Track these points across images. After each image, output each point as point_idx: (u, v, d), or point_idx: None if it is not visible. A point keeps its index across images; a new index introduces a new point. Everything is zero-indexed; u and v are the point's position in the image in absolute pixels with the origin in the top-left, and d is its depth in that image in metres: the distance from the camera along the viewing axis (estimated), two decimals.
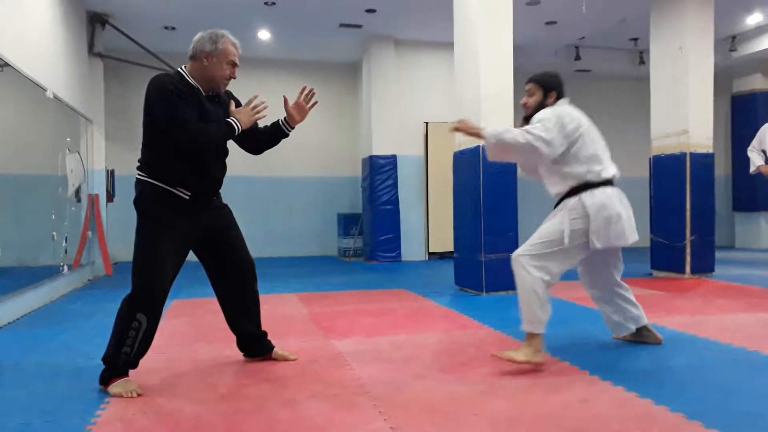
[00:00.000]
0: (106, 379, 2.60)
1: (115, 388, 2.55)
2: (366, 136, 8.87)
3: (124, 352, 2.60)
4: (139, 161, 2.74)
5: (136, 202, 2.71)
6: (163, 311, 4.54)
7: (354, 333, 3.70)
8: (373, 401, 2.41)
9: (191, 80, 2.72)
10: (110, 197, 7.75)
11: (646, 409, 2.28)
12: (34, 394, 2.60)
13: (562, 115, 2.94)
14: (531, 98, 3.10)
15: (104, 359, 2.64)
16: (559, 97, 3.08)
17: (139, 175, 2.72)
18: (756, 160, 5.80)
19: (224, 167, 2.90)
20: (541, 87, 3.08)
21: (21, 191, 4.88)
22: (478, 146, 5.23)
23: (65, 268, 5.81)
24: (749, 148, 5.88)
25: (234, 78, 2.78)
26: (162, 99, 2.64)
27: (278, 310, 4.58)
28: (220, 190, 2.95)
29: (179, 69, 2.79)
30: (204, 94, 2.74)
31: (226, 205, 3.01)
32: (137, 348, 2.63)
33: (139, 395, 2.51)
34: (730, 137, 10.64)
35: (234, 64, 2.76)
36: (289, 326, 3.96)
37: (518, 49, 5.92)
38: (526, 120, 3.08)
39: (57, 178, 5.70)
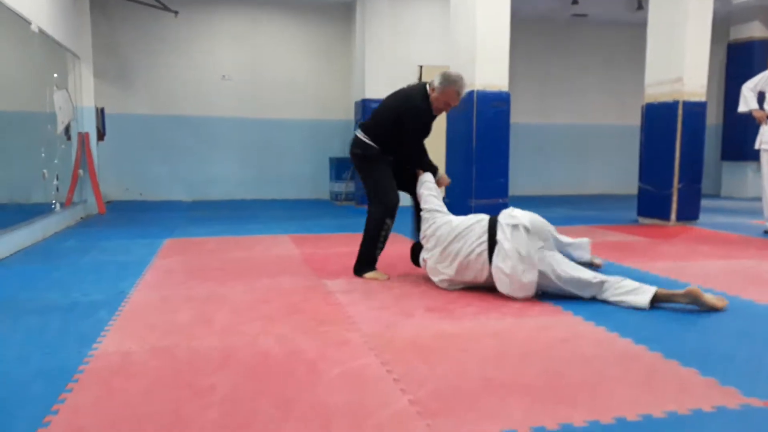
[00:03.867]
0: (361, 270, 3.68)
1: (371, 275, 3.64)
2: (359, 78, 8.72)
3: (378, 248, 3.66)
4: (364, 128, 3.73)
5: (361, 154, 3.71)
6: (157, 250, 4.61)
7: (345, 273, 3.77)
8: (364, 338, 2.48)
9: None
10: (101, 136, 7.66)
11: (626, 348, 2.37)
12: (30, 329, 2.66)
13: None
14: None
15: (360, 257, 3.70)
16: None
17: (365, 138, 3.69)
18: (750, 100, 5.54)
19: (408, 155, 3.78)
20: None
21: (8, 128, 4.82)
22: (473, 91, 5.19)
23: (57, 205, 5.80)
24: (746, 84, 5.62)
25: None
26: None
27: (271, 251, 4.64)
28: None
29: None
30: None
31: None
32: (384, 244, 3.69)
33: (387, 278, 3.62)
34: (724, 86, 10.57)
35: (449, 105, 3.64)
36: (282, 266, 4.02)
37: None
38: None
39: (45, 115, 5.62)
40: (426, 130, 3.73)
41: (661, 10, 6.34)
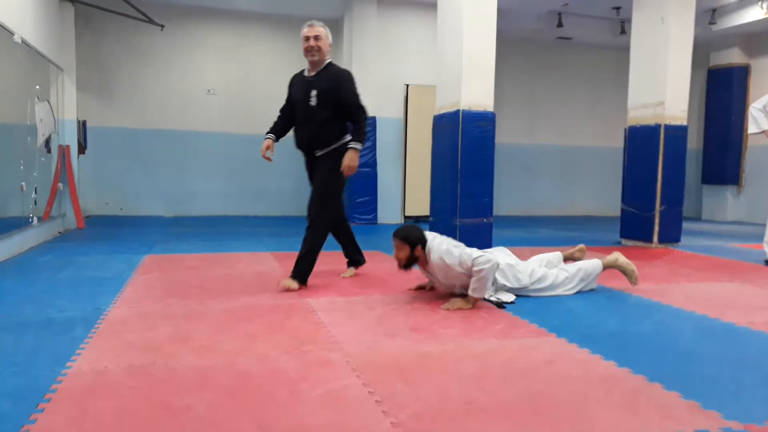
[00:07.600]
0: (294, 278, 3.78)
1: (287, 282, 3.75)
2: None
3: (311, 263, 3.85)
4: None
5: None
6: (136, 266, 4.53)
7: (328, 292, 3.73)
8: (346, 358, 2.44)
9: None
10: (82, 149, 7.58)
11: (609, 371, 2.36)
12: (2, 346, 2.57)
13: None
14: (401, 252, 3.45)
15: (298, 272, 3.80)
16: (423, 246, 3.45)
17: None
18: (761, 121, 5.39)
19: (310, 133, 3.98)
20: (406, 243, 3.42)
21: None
22: (458, 110, 5.22)
23: (35, 219, 5.70)
24: (753, 105, 5.47)
25: (308, 52, 3.90)
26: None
27: (253, 268, 4.58)
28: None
29: None
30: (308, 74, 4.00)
31: (327, 160, 3.97)
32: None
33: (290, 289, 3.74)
34: (704, 111, 10.77)
35: (306, 38, 3.85)
36: (264, 284, 3.97)
37: (501, 13, 5.86)
38: (405, 268, 3.51)
39: (26, 127, 5.54)
40: (291, 95, 4.14)
41: (643, 36, 6.46)
